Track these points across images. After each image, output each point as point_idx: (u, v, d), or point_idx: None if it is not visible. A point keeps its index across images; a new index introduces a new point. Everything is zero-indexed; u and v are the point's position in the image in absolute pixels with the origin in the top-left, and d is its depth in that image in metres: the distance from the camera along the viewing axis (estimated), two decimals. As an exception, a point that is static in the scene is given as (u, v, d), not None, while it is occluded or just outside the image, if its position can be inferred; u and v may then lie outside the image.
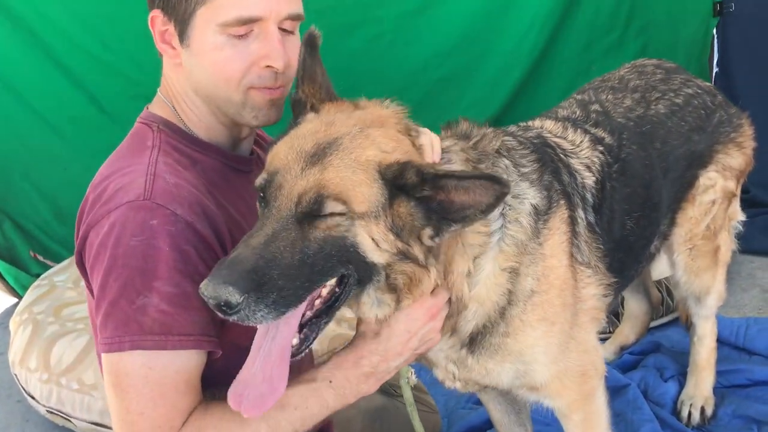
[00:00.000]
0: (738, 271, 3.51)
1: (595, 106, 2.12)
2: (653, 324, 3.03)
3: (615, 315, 2.97)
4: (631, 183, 1.99)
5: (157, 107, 1.68)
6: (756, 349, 2.83)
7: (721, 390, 2.66)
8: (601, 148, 1.96)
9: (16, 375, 3.11)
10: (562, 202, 1.70)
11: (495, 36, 4.12)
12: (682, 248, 2.31)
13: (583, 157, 1.90)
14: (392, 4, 3.96)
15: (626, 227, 1.97)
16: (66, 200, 4.03)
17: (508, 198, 1.55)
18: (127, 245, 1.41)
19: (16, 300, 4.07)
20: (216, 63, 1.54)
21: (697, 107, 2.25)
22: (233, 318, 1.30)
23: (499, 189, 1.34)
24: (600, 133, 2.01)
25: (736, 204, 2.45)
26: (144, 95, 3.83)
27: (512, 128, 1.94)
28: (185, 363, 1.45)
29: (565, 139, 1.93)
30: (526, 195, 1.63)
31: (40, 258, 4.07)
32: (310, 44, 1.61)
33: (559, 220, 1.67)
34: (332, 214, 1.37)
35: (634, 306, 2.87)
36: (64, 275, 3.51)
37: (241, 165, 1.71)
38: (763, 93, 4.34)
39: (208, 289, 1.28)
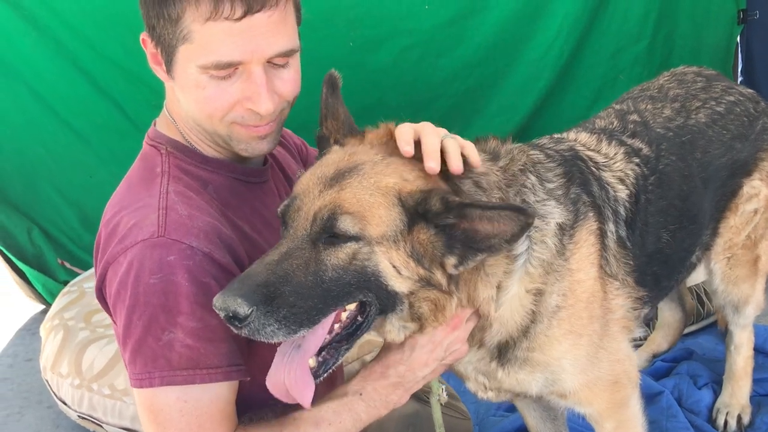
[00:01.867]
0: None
1: (634, 116, 2.09)
2: (685, 331, 3.02)
3: (647, 323, 2.95)
4: (668, 195, 1.96)
5: (163, 125, 1.65)
6: None
7: (757, 398, 2.64)
8: (636, 160, 1.92)
9: (47, 381, 3.12)
10: (591, 214, 1.69)
11: (523, 45, 4.10)
12: (720, 257, 2.28)
13: (617, 170, 1.88)
14: (424, 16, 3.93)
15: (661, 240, 1.94)
16: (92, 207, 4.04)
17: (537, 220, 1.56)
18: (147, 284, 1.41)
19: (43, 307, 4.11)
20: (198, 100, 1.49)
21: (740, 115, 2.22)
22: (244, 332, 1.31)
23: (524, 220, 1.35)
24: (637, 144, 1.98)
25: None
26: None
27: (543, 140, 1.93)
28: (217, 394, 1.46)
29: (598, 152, 1.91)
30: (552, 214, 1.61)
31: (68, 265, 4.08)
32: (331, 85, 1.64)
33: (586, 232, 1.66)
34: (348, 239, 1.37)
35: (668, 314, 2.85)
36: (92, 282, 3.49)
37: (253, 177, 1.68)
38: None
39: (218, 300, 1.30)
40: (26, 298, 4.19)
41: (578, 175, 1.72)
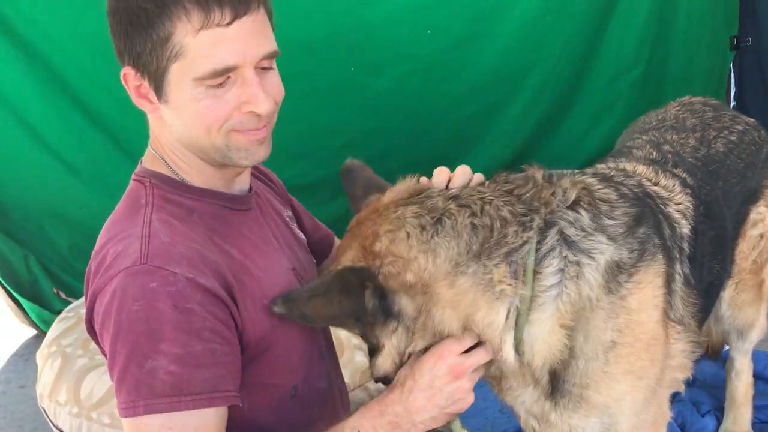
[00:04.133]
0: None
1: (667, 147, 2.05)
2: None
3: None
4: (714, 225, 1.93)
5: (149, 161, 1.64)
6: None
7: (759, 425, 2.64)
8: (689, 191, 1.87)
9: (44, 408, 3.04)
10: (660, 256, 1.61)
11: (526, 71, 4.08)
12: (730, 283, 2.27)
13: (679, 203, 1.82)
14: (425, 42, 3.86)
15: (713, 272, 1.91)
16: (82, 237, 3.95)
17: (569, 254, 1.49)
18: (129, 311, 1.40)
19: (35, 332, 4.07)
20: (196, 114, 1.49)
21: (749, 144, 2.23)
22: None
23: None
24: (682, 173, 1.93)
25: None
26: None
27: (611, 172, 1.82)
28: (204, 421, 1.43)
29: (659, 185, 1.84)
30: (600, 250, 1.52)
31: (63, 295, 4.02)
32: (345, 175, 1.77)
33: (652, 274, 1.59)
34: None
35: None
36: (87, 310, 3.48)
37: (239, 204, 1.67)
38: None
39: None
40: (19, 323, 4.15)
41: (651, 217, 1.64)
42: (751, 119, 2.38)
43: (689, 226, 1.78)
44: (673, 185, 1.84)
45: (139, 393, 1.40)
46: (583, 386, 1.55)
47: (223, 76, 1.46)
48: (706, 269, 1.87)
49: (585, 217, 1.53)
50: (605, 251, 1.52)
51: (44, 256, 4.04)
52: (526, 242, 1.47)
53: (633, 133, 2.29)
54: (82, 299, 3.56)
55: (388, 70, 3.90)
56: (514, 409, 1.69)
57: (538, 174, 1.59)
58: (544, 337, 1.50)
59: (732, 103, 4.52)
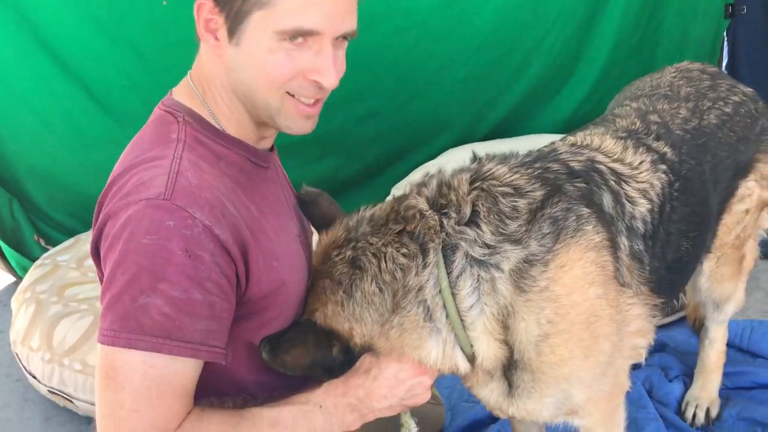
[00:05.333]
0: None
1: (654, 117, 2.01)
2: (659, 323, 3.05)
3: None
4: (690, 201, 1.90)
5: (183, 95, 1.60)
6: (760, 352, 2.82)
7: (725, 392, 2.65)
8: (663, 167, 1.85)
9: (17, 354, 3.07)
10: (589, 228, 1.61)
11: (520, 32, 4.01)
12: (711, 256, 2.26)
13: (642, 180, 1.80)
14: None
15: (681, 249, 1.89)
16: (57, 189, 3.94)
17: (481, 272, 1.55)
18: (139, 242, 1.37)
19: (14, 279, 4.07)
20: (265, 64, 1.47)
21: (744, 116, 2.17)
22: None
23: None
24: (662, 147, 1.90)
25: (766, 214, 2.38)
26: (139, 86, 3.68)
27: (559, 148, 1.83)
28: (182, 368, 1.42)
29: (622, 161, 1.82)
30: (506, 258, 1.55)
31: (43, 243, 3.98)
32: (302, 205, 1.79)
33: (579, 251, 1.59)
34: None
35: None
36: (67, 255, 3.45)
37: (262, 161, 1.66)
38: (770, 97, 4.40)
39: None
40: (1, 270, 4.10)
41: (567, 192, 1.64)
42: (749, 89, 2.31)
43: (648, 206, 1.78)
44: (640, 162, 1.83)
45: (124, 325, 1.37)
46: (530, 377, 1.63)
47: (304, 36, 1.46)
48: (673, 245, 1.85)
49: (486, 232, 1.56)
50: (510, 257, 1.55)
51: (24, 205, 4.00)
52: (428, 279, 1.56)
53: (625, 99, 2.23)
54: (61, 245, 3.61)
55: (381, 25, 3.79)
56: (481, 400, 1.77)
57: (421, 201, 1.61)
58: (485, 348, 1.60)
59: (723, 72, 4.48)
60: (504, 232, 1.56)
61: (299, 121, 1.57)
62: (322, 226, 1.74)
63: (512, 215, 1.58)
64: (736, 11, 4.29)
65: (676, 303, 2.99)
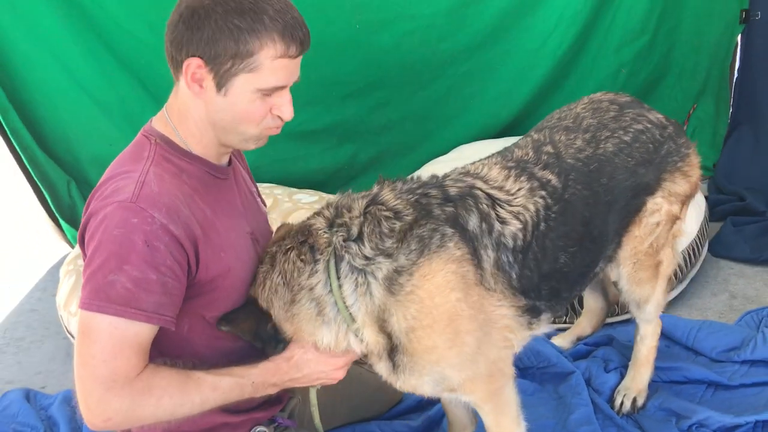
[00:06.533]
0: (715, 276, 3.66)
1: (548, 148, 2.28)
2: (614, 320, 3.31)
3: (574, 309, 3.29)
4: (570, 221, 2.19)
5: (159, 124, 2.00)
6: (701, 350, 3.02)
7: (657, 384, 2.87)
8: (542, 193, 2.15)
9: (61, 316, 3.52)
10: (451, 245, 1.97)
11: (522, 33, 4.27)
12: (628, 262, 2.51)
13: (516, 204, 2.11)
14: (425, 3, 4.14)
15: (559, 261, 2.19)
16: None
17: (359, 278, 1.94)
18: (110, 233, 1.78)
19: (70, 249, 4.52)
20: (247, 110, 1.89)
21: (645, 142, 2.40)
22: None
23: None
24: (547, 175, 2.20)
25: (680, 224, 2.63)
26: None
27: (450, 175, 2.19)
28: (140, 331, 1.80)
29: (501, 189, 2.14)
30: (380, 268, 1.94)
31: None
32: None
33: (441, 262, 1.95)
34: None
35: (592, 302, 3.10)
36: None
37: (221, 173, 2.05)
38: (782, 100, 4.47)
39: None
40: (59, 240, 4.61)
41: (437, 215, 2.01)
42: (659, 116, 2.51)
43: (521, 225, 2.10)
44: (518, 189, 2.15)
45: (97, 295, 1.78)
46: (408, 359, 2.00)
47: (276, 90, 1.90)
48: (550, 258, 2.16)
49: (367, 247, 1.94)
50: (383, 268, 1.93)
51: (81, 186, 4.47)
52: (318, 281, 1.96)
53: (540, 127, 2.51)
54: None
55: (390, 28, 4.21)
56: (379, 374, 2.12)
57: (320, 221, 2.03)
58: (368, 336, 1.99)
59: (735, 76, 4.59)
60: (381, 247, 1.95)
61: (260, 142, 2.01)
62: None
63: (389, 235, 1.97)
64: (751, 16, 4.39)
65: (616, 307, 3.25)
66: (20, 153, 4.25)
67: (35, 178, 4.35)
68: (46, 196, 4.40)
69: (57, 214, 4.49)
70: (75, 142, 4.40)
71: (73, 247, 4.41)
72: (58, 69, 4.17)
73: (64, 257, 4.34)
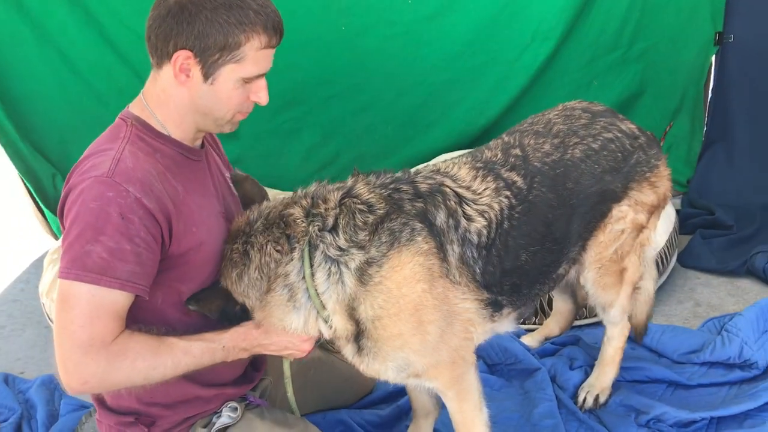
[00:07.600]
0: (682, 285, 3.78)
1: (516, 151, 2.35)
2: (583, 323, 3.41)
3: (544, 311, 3.39)
4: (533, 222, 2.26)
5: (137, 108, 2.09)
6: (664, 352, 3.13)
7: (620, 383, 2.96)
8: (507, 193, 2.22)
9: (43, 304, 3.60)
10: (419, 239, 2.05)
11: (499, 45, 4.39)
12: (593, 267, 2.58)
13: (481, 203, 2.18)
14: (406, 10, 4.27)
15: (520, 258, 2.25)
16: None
17: (332, 267, 2.03)
18: (87, 206, 1.86)
19: (56, 241, 4.69)
20: (230, 97, 2.02)
21: (614, 150, 2.46)
22: None
23: None
24: (513, 177, 2.27)
25: (647, 233, 2.68)
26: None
27: (422, 173, 2.26)
28: (116, 298, 1.88)
29: (468, 188, 2.21)
30: (352, 258, 2.02)
31: None
32: (235, 185, 2.30)
33: (409, 255, 2.03)
34: None
35: (560, 304, 3.18)
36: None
37: (193, 155, 2.15)
38: (754, 120, 4.59)
39: None
40: (44, 233, 4.68)
41: (408, 210, 2.09)
42: (631, 126, 2.57)
43: (485, 222, 2.18)
44: (484, 188, 2.23)
45: (74, 264, 1.86)
46: (373, 344, 2.09)
47: (256, 78, 2.03)
48: (511, 255, 2.24)
49: (341, 238, 2.03)
50: (356, 259, 2.02)
51: None
52: (292, 269, 2.04)
53: (512, 131, 2.57)
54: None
55: (373, 32, 4.34)
56: (346, 358, 2.21)
57: (298, 211, 2.09)
58: (337, 322, 2.07)
59: (709, 96, 4.74)
60: (355, 240, 2.04)
61: (234, 126, 2.15)
62: (245, 205, 2.22)
63: (363, 227, 2.05)
64: (724, 39, 4.54)
65: (585, 310, 3.36)
66: (3, 146, 4.33)
67: (19, 171, 4.42)
68: (30, 188, 4.48)
69: (43, 206, 4.56)
70: (68, 134, 4.48)
71: (57, 239, 4.46)
72: (60, 61, 4.30)
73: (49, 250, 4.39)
